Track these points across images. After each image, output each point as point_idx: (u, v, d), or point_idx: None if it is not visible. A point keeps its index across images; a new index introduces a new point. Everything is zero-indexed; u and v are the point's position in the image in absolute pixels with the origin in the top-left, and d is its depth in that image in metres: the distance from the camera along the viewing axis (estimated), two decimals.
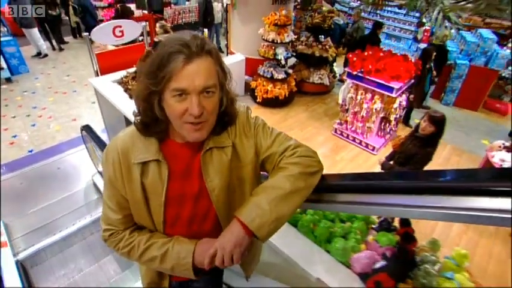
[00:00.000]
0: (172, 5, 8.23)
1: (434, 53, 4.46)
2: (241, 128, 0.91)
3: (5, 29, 7.88)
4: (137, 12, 7.43)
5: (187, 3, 8.39)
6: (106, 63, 3.49)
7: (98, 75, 3.46)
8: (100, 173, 3.60)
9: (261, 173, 0.99)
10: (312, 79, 5.62)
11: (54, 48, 7.50)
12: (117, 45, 3.78)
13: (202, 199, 0.90)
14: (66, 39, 7.89)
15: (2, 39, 5.68)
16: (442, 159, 4.63)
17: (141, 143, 0.85)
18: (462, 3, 3.00)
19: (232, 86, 0.85)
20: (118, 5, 6.56)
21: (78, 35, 8.34)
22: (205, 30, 5.36)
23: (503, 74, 6.14)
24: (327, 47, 5.47)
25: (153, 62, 0.74)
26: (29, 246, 2.76)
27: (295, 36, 5.44)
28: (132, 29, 3.47)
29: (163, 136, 0.85)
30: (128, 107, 2.82)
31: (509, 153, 3.62)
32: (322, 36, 5.66)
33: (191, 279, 1.04)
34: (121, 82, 3.25)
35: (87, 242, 2.98)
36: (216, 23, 7.08)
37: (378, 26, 5.21)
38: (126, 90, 3.12)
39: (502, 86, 6.35)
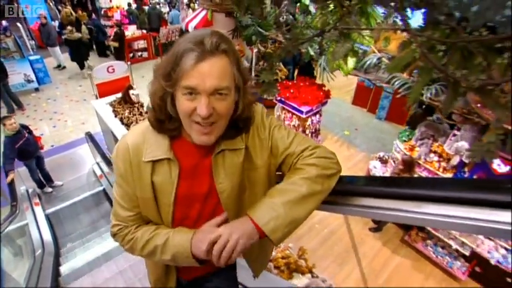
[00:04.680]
0: (168, 24, 9.83)
1: None
2: (255, 129, 0.89)
3: (33, 42, 9.74)
4: (137, 32, 9.12)
5: (182, 23, 9.96)
6: (103, 90, 5.16)
7: (97, 98, 5.13)
8: (98, 163, 5.34)
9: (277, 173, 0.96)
10: (265, 95, 7.15)
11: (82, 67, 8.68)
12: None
13: (210, 199, 0.89)
14: None
15: (32, 57, 7.47)
16: (351, 163, 6.09)
17: (153, 139, 0.84)
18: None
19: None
20: (116, 29, 8.28)
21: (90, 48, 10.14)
22: None
23: None
24: (277, 70, 6.98)
25: (168, 62, 0.72)
26: (53, 207, 4.54)
27: (249, 64, 6.97)
28: (120, 67, 5.12)
29: (176, 134, 0.84)
30: (113, 124, 4.47)
31: (379, 162, 5.10)
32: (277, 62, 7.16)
33: (203, 277, 1.05)
34: (111, 105, 4.91)
35: (87, 207, 4.74)
36: None
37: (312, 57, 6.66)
38: (113, 111, 4.78)
39: None
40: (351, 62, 3.00)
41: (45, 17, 7.87)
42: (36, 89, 7.58)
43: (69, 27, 7.85)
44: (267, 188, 0.88)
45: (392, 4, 2.21)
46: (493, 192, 0.67)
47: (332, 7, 2.86)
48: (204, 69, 0.68)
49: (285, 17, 5.61)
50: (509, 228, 0.60)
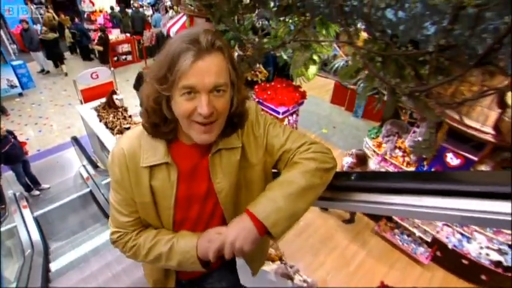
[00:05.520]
0: (152, 27, 9.97)
1: None
2: (250, 126, 0.89)
3: (15, 46, 9.71)
4: (121, 36, 9.24)
5: (163, 28, 10.11)
6: (87, 95, 5.32)
7: (82, 103, 5.30)
8: (84, 166, 5.51)
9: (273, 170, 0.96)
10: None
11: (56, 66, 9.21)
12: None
13: (209, 199, 0.90)
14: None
15: (15, 63, 7.52)
16: None
17: (149, 144, 0.83)
18: None
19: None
20: (100, 33, 8.43)
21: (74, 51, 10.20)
22: None
23: None
24: (258, 72, 7.26)
25: (162, 64, 0.71)
26: (41, 209, 4.71)
27: None
28: (103, 73, 5.30)
29: (171, 137, 0.83)
30: (98, 128, 4.65)
31: (351, 158, 5.45)
32: (257, 64, 7.45)
33: (201, 276, 1.08)
34: (96, 109, 5.09)
35: (74, 208, 4.93)
36: None
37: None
38: (98, 115, 4.96)
39: None
40: (313, 68, 3.31)
41: (27, 22, 7.92)
42: (20, 94, 7.64)
43: (44, 28, 8.14)
44: (263, 186, 0.87)
45: (339, 20, 2.53)
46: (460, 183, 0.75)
47: (296, 19, 3.16)
48: (203, 67, 0.69)
49: (260, 22, 5.91)
50: (467, 215, 0.68)
